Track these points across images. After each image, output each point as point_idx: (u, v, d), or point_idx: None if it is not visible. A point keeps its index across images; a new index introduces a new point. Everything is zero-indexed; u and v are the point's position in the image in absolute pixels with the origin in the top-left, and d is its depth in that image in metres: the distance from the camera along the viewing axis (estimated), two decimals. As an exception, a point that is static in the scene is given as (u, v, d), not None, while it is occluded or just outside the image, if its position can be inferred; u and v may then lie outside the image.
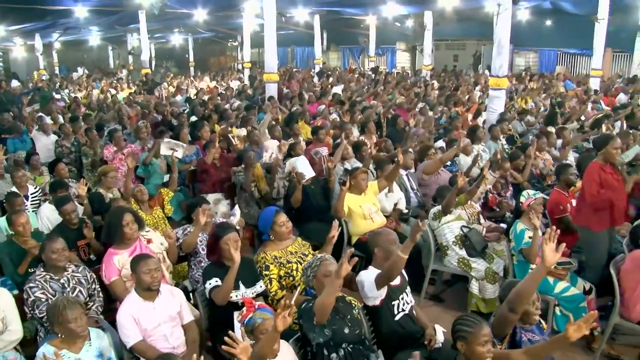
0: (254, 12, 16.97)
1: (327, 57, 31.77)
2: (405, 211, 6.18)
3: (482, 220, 5.74)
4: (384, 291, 3.67)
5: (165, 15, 18.14)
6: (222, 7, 18.47)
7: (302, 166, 6.15)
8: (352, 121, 9.76)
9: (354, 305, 3.65)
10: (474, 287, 5.18)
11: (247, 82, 18.99)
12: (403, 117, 11.07)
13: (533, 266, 4.85)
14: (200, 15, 18.81)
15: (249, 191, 6.71)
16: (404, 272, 4.03)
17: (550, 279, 4.78)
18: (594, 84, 16.13)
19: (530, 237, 4.78)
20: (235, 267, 3.79)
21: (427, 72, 21.30)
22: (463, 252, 5.27)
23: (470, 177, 6.66)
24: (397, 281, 3.81)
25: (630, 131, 9.39)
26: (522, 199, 5.00)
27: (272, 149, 7.33)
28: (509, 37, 10.22)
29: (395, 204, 6.09)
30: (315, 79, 20.74)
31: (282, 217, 4.47)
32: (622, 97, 14.91)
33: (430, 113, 11.50)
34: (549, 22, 23.92)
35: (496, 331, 3.22)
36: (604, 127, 8.74)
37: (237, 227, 4.92)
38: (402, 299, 3.81)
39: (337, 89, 15.29)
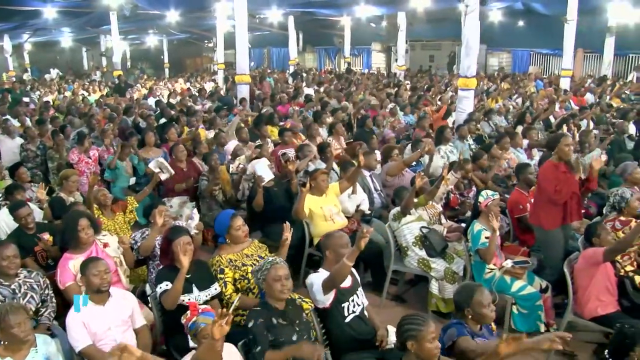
0: (226, 14, 16.88)
1: (303, 58, 31.79)
2: (368, 212, 6.19)
3: (443, 221, 5.77)
4: (331, 295, 3.68)
5: (137, 16, 18.00)
6: (193, 9, 18.35)
7: (261, 169, 6.14)
8: (321, 122, 9.77)
9: (305, 307, 3.65)
10: (434, 287, 5.21)
11: (221, 83, 18.92)
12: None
13: (490, 266, 4.90)
14: (172, 16, 18.69)
15: (209, 196, 6.69)
16: (355, 273, 4.05)
17: (508, 278, 4.82)
18: (564, 84, 16.35)
19: (487, 238, 4.81)
20: (184, 272, 3.78)
21: (400, 73, 21.38)
22: (423, 253, 5.29)
23: (432, 176, 6.70)
24: (347, 283, 3.82)
25: (595, 132, 9.55)
26: (480, 199, 5.03)
27: (238, 157, 7.31)
28: (479, 38, 10.33)
29: (358, 205, 6.11)
30: (290, 80, 20.76)
31: (239, 221, 4.45)
32: (589, 97, 15.14)
33: (401, 113, 11.58)
34: (521, 23, 24.23)
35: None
36: (564, 127, 8.84)
37: (195, 231, 4.89)
38: (353, 300, 3.82)
39: (309, 90, 15.30)
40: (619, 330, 3.13)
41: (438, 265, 5.20)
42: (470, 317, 3.37)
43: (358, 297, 3.89)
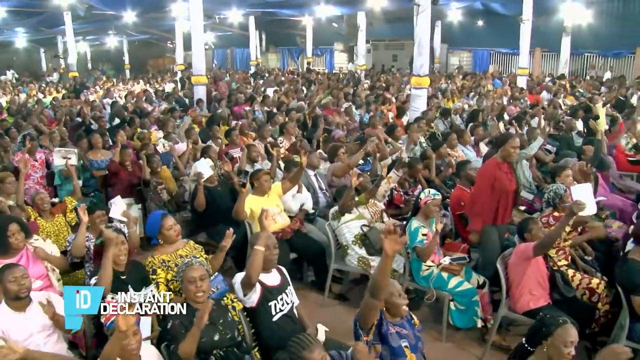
0: (183, 14, 16.73)
1: (267, 58, 31.73)
2: (312, 211, 6.17)
3: (385, 219, 5.79)
4: (254, 294, 3.65)
5: (93, 17, 17.72)
6: (149, 9, 18.12)
7: (202, 167, 6.07)
8: (274, 122, 9.78)
9: (231, 307, 3.62)
10: (374, 285, 5.21)
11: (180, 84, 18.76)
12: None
13: (428, 263, 4.93)
14: (129, 16, 18.41)
15: (146, 178, 6.63)
16: (285, 272, 4.03)
17: (445, 275, 4.86)
18: (521, 82, 16.65)
19: (424, 235, 4.84)
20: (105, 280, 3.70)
21: (360, 72, 21.46)
22: (363, 251, 5.28)
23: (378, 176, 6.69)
24: (275, 282, 3.81)
25: (547, 129, 9.69)
26: (421, 196, 5.03)
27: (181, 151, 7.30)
28: (439, 37, 10.49)
29: (302, 204, 6.09)
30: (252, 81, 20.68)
31: (170, 221, 4.41)
32: (545, 95, 15.41)
33: (357, 112, 11.62)
34: (481, 23, 24.61)
35: (361, 322, 3.24)
36: (501, 126, 8.95)
37: (124, 219, 4.84)
38: (281, 299, 3.80)
39: (269, 91, 15.25)
40: (539, 319, 3.18)
41: (377, 263, 5.20)
42: (384, 309, 3.35)
43: (287, 295, 3.87)
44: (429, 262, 4.91)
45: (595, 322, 4.64)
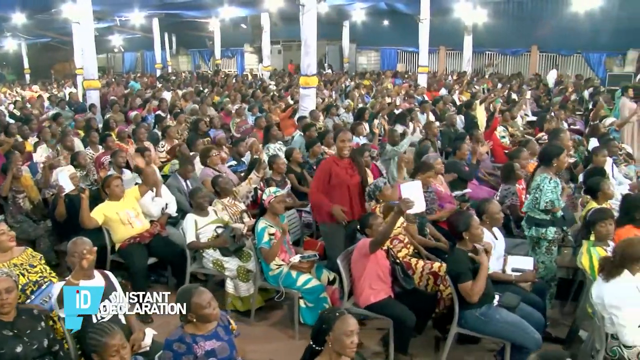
0: (73, 16, 16.10)
1: (177, 60, 31.18)
2: (175, 215, 6.10)
3: (246, 219, 5.80)
4: None
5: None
6: (37, 10, 17.25)
7: (63, 179, 5.87)
8: (160, 126, 9.65)
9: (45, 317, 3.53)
10: (229, 286, 5.20)
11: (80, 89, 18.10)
12: (225, 120, 11.10)
13: (278, 262, 4.94)
14: (19, 18, 17.47)
15: (5, 194, 6.36)
16: (111, 277, 3.95)
17: (294, 273, 4.90)
18: (422, 80, 17.11)
19: (271, 235, 4.86)
20: None
21: (264, 73, 21.46)
22: (217, 254, 5.26)
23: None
24: (97, 288, 3.71)
25: (436, 124, 9.98)
26: (264, 196, 5.06)
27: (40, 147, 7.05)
28: (316, 36, 10.57)
29: (164, 208, 6.01)
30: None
31: (1, 226, 4.25)
32: (444, 92, 15.91)
33: (249, 114, 11.61)
34: (387, 22, 25.14)
35: None
36: (375, 123, 9.14)
37: None
38: (104, 306, 3.70)
39: (167, 95, 15.00)
40: (319, 317, 3.18)
41: (231, 264, 5.19)
42: (194, 320, 3.32)
43: (111, 300, 3.78)
44: (279, 262, 4.94)
45: (440, 304, 4.78)
